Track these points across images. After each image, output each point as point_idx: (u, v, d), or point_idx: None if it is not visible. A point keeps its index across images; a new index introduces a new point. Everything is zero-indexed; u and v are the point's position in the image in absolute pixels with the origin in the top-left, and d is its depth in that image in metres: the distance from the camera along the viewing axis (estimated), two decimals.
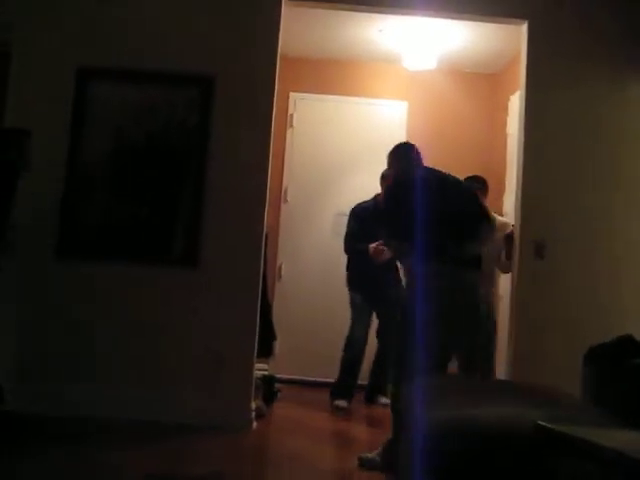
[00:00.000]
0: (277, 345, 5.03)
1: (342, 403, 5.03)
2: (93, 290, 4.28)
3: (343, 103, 6.08)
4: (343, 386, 5.10)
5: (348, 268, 5.18)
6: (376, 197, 5.09)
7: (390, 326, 4.82)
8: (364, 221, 5.02)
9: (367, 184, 5.59)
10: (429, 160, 5.85)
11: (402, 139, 6.00)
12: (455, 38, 5.38)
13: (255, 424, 4.31)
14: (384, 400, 5.03)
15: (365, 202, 5.17)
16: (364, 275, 5.05)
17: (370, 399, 5.24)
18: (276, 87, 4.43)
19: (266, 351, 4.77)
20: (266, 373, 5.06)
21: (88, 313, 4.26)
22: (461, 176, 5.65)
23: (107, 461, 3.41)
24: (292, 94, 6.02)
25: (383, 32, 5.39)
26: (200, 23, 4.41)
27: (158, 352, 4.25)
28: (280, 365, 5.48)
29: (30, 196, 4.28)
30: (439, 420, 2.14)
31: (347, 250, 5.14)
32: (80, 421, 3.99)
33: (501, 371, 4.64)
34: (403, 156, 4.11)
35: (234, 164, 4.33)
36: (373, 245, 4.81)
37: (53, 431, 3.86)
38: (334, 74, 6.12)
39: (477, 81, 6.13)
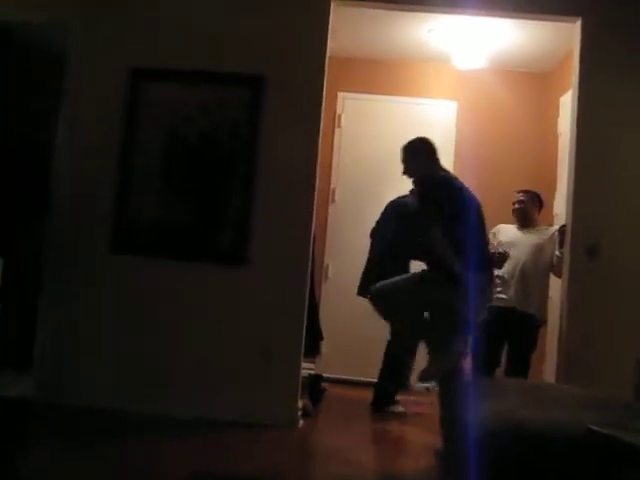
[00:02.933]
0: (324, 345, 5.03)
1: (396, 408, 4.95)
2: (143, 287, 4.35)
3: (392, 103, 6.06)
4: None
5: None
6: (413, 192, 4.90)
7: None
8: (404, 218, 4.86)
9: None
10: (479, 160, 5.83)
11: (451, 139, 5.98)
12: (505, 37, 5.32)
13: (301, 422, 4.33)
14: (398, 408, 4.93)
15: (404, 197, 4.97)
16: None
17: (379, 409, 4.94)
18: (325, 87, 4.44)
19: (313, 350, 4.79)
20: (313, 372, 5.08)
21: (138, 309, 4.34)
22: (512, 177, 5.68)
23: (155, 456, 3.47)
24: (340, 94, 6.03)
25: (432, 32, 5.35)
26: (250, 24, 4.44)
27: (206, 349, 4.30)
28: (327, 364, 5.48)
29: (84, 195, 4.40)
30: (489, 422, 2.12)
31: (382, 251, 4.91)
32: (130, 416, 4.07)
33: (551, 373, 4.57)
34: (423, 153, 4.21)
35: (283, 164, 4.35)
36: None
37: (104, 425, 3.94)
38: (383, 74, 6.10)
39: (527, 80, 6.04)
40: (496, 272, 4.52)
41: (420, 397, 5.27)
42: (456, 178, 4.17)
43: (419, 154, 4.22)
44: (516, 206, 4.95)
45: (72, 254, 4.38)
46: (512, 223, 4.97)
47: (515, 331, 4.66)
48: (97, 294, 4.35)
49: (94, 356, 4.32)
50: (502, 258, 4.60)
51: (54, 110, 4.47)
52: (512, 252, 4.67)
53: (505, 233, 4.90)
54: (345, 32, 5.23)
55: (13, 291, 3.91)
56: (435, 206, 3.93)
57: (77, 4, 4.48)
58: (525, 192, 4.97)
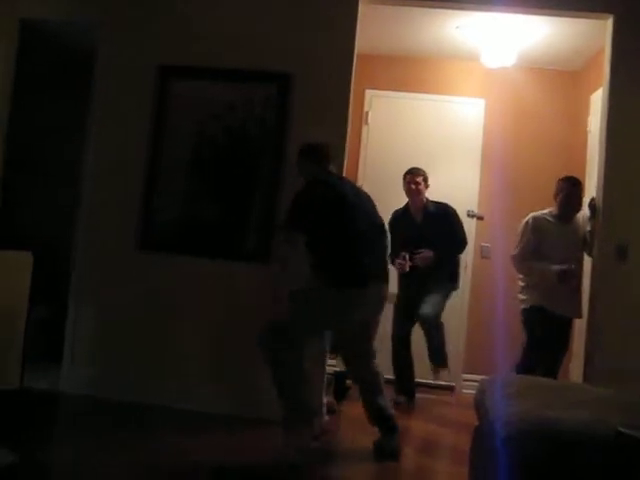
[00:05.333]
0: None
1: (399, 398, 5.06)
2: (170, 284, 4.39)
3: (419, 100, 6.03)
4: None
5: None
6: (407, 205, 5.20)
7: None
8: (395, 228, 5.01)
9: (443, 182, 5.56)
10: (507, 159, 5.78)
11: (479, 137, 5.94)
12: (535, 34, 5.26)
13: (326, 419, 4.34)
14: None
15: (399, 210, 5.27)
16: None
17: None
18: (352, 85, 4.43)
19: (337, 348, 4.78)
20: (337, 370, 5.08)
21: (164, 306, 4.37)
22: (540, 175, 5.63)
23: (176, 451, 3.51)
24: (368, 91, 6.02)
25: (460, 29, 5.32)
26: (278, 21, 4.46)
27: (233, 346, 4.32)
28: None
29: (113, 191, 4.44)
30: (516, 423, 2.10)
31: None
32: (159, 412, 4.11)
33: (578, 373, 4.53)
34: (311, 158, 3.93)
35: None
36: (399, 261, 4.95)
37: (131, 419, 3.98)
38: (410, 71, 6.08)
39: (557, 78, 5.98)
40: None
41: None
42: (342, 184, 3.83)
43: (307, 158, 3.95)
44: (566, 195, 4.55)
45: (101, 251, 4.42)
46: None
47: (560, 334, 4.56)
48: (125, 291, 4.40)
49: (121, 351, 4.37)
50: (572, 274, 4.39)
51: (84, 107, 4.51)
52: (557, 252, 4.46)
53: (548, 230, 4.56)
54: (373, 29, 5.22)
55: (43, 287, 3.96)
56: (299, 211, 3.67)
57: (107, 2, 4.52)
58: (567, 179, 4.61)
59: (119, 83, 4.50)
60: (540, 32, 5.22)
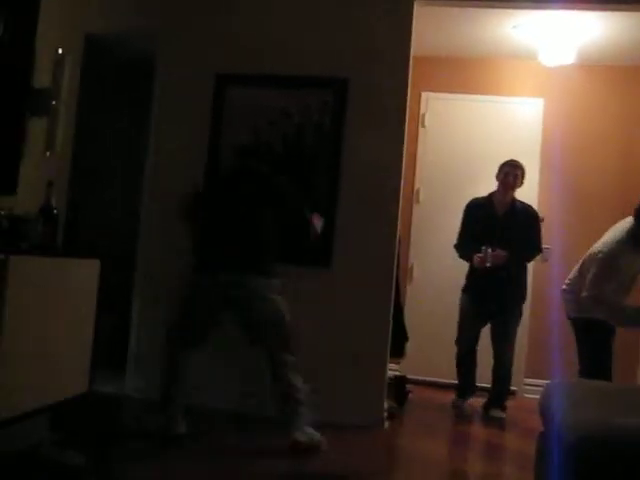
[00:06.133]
0: (408, 346, 5.01)
1: (459, 402, 5.01)
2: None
3: (476, 102, 5.98)
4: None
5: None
6: (491, 196, 4.94)
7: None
8: (471, 217, 4.92)
9: None
10: (567, 160, 5.67)
11: (538, 138, 5.85)
12: (595, 30, 5.15)
13: (387, 424, 4.33)
14: (497, 414, 4.84)
15: (479, 198, 5.02)
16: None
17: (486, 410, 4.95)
18: (409, 87, 4.42)
19: (398, 352, 4.77)
20: (397, 374, 5.07)
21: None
22: (602, 177, 5.49)
23: (243, 455, 3.54)
24: (424, 94, 5.99)
25: (518, 28, 5.25)
26: (332, 26, 4.47)
27: (295, 350, 4.34)
28: (411, 366, 5.45)
29: (173, 198, 4.51)
30: (585, 427, 2.06)
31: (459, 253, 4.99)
32: (220, 414, 4.16)
33: None
34: None
35: (367, 165, 4.36)
36: (479, 255, 4.71)
37: (203, 423, 4.01)
38: (467, 72, 6.03)
39: (620, 74, 5.82)
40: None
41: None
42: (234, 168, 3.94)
43: None
44: None
45: (163, 257, 4.50)
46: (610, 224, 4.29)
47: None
48: (187, 294, 4.46)
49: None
50: None
51: (145, 116, 4.62)
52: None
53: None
54: (429, 31, 5.20)
55: (108, 292, 4.05)
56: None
57: (166, 14, 4.62)
58: None
59: (178, 92, 4.58)
60: (601, 28, 5.10)
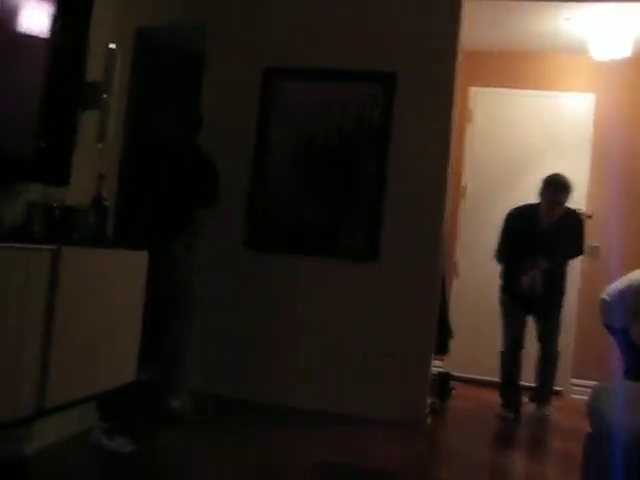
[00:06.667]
0: (453, 343, 4.98)
1: (505, 413, 4.72)
2: (278, 283, 4.46)
3: (525, 97, 5.89)
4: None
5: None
6: (535, 206, 4.77)
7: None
8: (513, 230, 4.77)
9: None
10: (620, 156, 5.54)
11: (588, 133, 5.73)
12: None
13: (429, 420, 4.32)
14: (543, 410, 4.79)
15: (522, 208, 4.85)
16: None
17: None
18: (456, 82, 4.38)
19: (442, 348, 4.75)
20: (441, 370, 5.04)
21: (272, 304, 4.46)
22: None
23: (283, 447, 3.57)
24: (471, 89, 5.92)
25: (570, 20, 5.14)
26: (381, 21, 4.45)
27: (337, 345, 4.36)
28: (455, 363, 5.42)
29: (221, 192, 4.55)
30: (637, 429, 2.02)
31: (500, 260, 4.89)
32: (261, 407, 4.20)
33: None
34: None
35: (414, 160, 4.34)
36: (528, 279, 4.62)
37: (248, 416, 4.09)
38: (516, 67, 5.94)
39: None
40: None
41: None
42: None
43: None
44: None
45: (210, 251, 4.54)
46: None
47: None
48: (234, 290, 4.50)
49: (230, 349, 4.48)
50: None
51: (193, 111, 4.65)
52: None
53: None
54: (478, 25, 5.12)
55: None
56: None
57: (214, 7, 4.64)
58: None
59: (227, 85, 4.61)
60: None
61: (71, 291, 2.62)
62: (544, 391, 4.83)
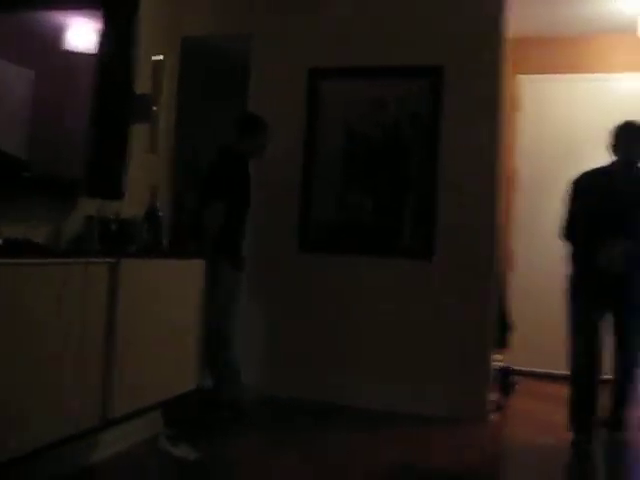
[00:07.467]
0: (514, 336, 4.89)
1: (578, 437, 3.76)
2: (330, 284, 4.47)
3: (575, 82, 5.75)
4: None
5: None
6: (613, 164, 3.79)
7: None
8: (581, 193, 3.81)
9: None
10: None
11: None
12: None
13: (492, 416, 4.26)
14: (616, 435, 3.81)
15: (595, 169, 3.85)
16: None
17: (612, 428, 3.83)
18: (503, 71, 4.31)
19: (501, 343, 4.68)
20: (502, 365, 4.96)
21: (325, 305, 4.46)
22: None
23: (346, 448, 3.56)
24: (519, 77, 5.81)
25: (617, 1, 5.00)
26: (423, 14, 4.41)
27: (394, 343, 4.33)
28: (516, 357, 5.32)
29: (270, 194, 4.57)
30: None
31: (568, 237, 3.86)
32: (319, 407, 4.21)
33: None
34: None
35: (465, 153, 4.29)
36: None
37: (307, 417, 4.10)
38: (563, 51, 5.79)
39: None
40: None
41: None
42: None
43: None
44: None
45: (263, 252, 4.56)
46: None
47: None
48: (289, 291, 4.53)
49: (286, 350, 4.50)
50: None
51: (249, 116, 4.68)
52: None
53: None
54: (523, 12, 5.01)
55: None
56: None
57: (260, 15, 4.66)
58: None
59: (272, 89, 4.62)
60: None
61: (130, 302, 2.66)
62: (618, 412, 3.78)
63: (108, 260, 2.57)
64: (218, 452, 3.37)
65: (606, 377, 3.78)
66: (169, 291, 2.98)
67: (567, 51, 5.80)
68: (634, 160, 3.74)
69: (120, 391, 2.61)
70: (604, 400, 3.74)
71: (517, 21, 4.79)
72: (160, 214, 3.29)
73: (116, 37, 3.07)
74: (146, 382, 2.81)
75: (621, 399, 3.76)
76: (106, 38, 3.03)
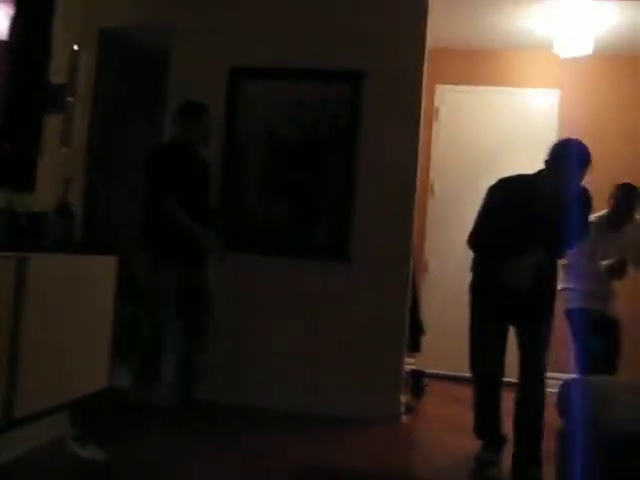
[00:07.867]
0: (424, 340, 4.99)
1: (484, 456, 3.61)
2: (246, 284, 4.44)
3: (491, 94, 5.93)
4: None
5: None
6: (541, 172, 3.50)
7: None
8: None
9: None
10: None
11: (553, 130, 5.76)
12: (613, 19, 5.07)
13: (404, 418, 4.33)
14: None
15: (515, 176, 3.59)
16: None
17: None
18: (423, 78, 4.39)
19: (414, 346, 4.76)
20: (414, 368, 5.05)
21: (246, 307, 4.43)
22: (621, 172, 5.42)
23: (261, 450, 3.54)
24: (438, 86, 5.94)
25: (533, 18, 5.19)
26: (347, 18, 4.45)
27: (309, 345, 4.35)
28: (427, 360, 5.44)
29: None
30: (607, 423, 2.04)
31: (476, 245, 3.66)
32: (236, 409, 4.17)
33: None
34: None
35: (382, 159, 4.35)
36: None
37: (223, 419, 4.05)
38: (481, 64, 5.97)
39: (639, 65, 5.74)
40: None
41: None
42: None
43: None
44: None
45: None
46: None
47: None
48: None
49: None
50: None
51: (160, 109, 4.61)
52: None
53: None
54: (442, 23, 5.13)
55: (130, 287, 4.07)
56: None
57: (180, 8, 4.59)
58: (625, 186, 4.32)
59: (192, 86, 4.56)
60: (619, 16, 5.01)
61: (39, 299, 2.57)
62: (531, 446, 3.37)
63: (15, 254, 2.48)
64: (128, 454, 3.29)
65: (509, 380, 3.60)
66: (80, 288, 2.90)
67: (484, 64, 5.97)
68: (564, 179, 3.43)
69: (25, 390, 2.52)
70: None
71: (437, 32, 4.90)
72: (73, 208, 3.19)
73: (28, 23, 2.96)
74: (53, 381, 2.73)
75: (529, 426, 3.41)
76: (17, 23, 2.91)
